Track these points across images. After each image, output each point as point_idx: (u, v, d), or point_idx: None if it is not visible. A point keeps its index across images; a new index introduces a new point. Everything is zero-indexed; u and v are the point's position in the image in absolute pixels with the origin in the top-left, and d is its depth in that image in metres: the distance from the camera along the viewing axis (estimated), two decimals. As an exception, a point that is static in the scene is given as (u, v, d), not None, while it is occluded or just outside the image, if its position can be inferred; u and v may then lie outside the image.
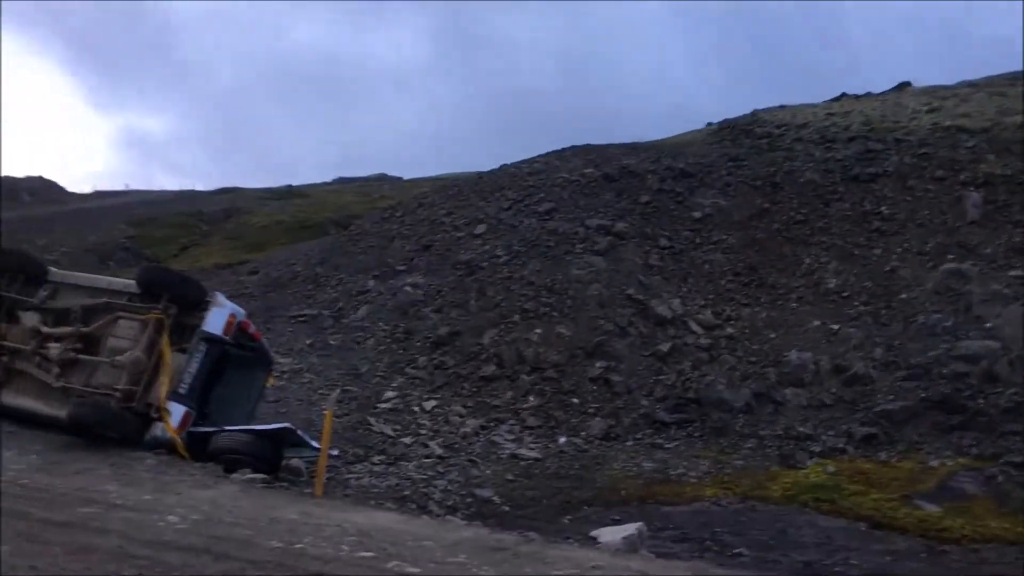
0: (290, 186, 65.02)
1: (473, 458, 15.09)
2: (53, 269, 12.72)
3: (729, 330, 19.90)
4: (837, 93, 36.62)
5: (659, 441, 16.80)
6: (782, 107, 34.65)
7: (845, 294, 20.36)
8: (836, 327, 19.30)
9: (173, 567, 6.17)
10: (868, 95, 35.31)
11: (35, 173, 66.22)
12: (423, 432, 15.88)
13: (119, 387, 10.66)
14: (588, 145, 32.13)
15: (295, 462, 11.79)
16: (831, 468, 15.21)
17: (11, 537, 6.62)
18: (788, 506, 13.63)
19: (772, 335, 19.57)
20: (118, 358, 10.83)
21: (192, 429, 10.76)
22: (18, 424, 10.98)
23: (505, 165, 30.90)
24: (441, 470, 14.11)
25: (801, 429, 16.87)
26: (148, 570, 6.06)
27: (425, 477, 13.50)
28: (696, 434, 17.11)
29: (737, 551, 11.15)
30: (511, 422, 17.16)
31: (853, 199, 23.53)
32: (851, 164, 25.07)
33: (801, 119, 30.45)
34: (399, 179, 72.05)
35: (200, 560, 6.39)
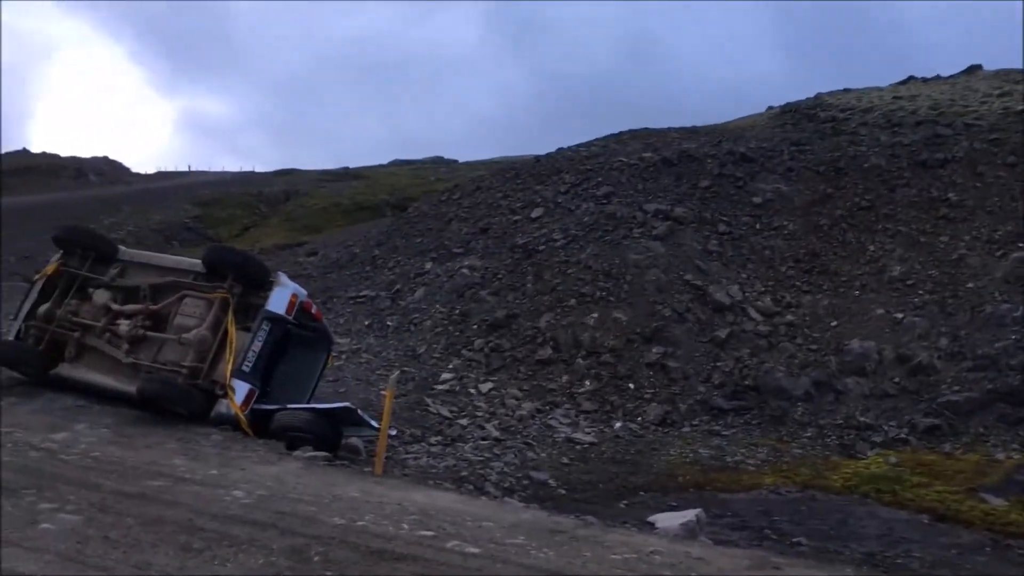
0: (347, 168, 65.74)
1: (529, 441, 15.12)
2: (123, 248, 13.03)
3: (789, 317, 19.60)
4: (904, 76, 35.76)
5: (716, 428, 16.65)
6: (846, 90, 33.95)
7: (910, 282, 19.89)
8: (900, 316, 18.88)
9: (240, 540, 6.31)
10: (936, 78, 34.39)
11: (101, 154, 67.94)
12: (479, 414, 15.96)
13: (186, 364, 10.90)
14: (647, 129, 31.86)
15: (354, 441, 11.94)
16: (893, 459, 14.91)
17: (85, 508, 6.84)
18: (848, 496, 13.40)
19: (834, 323, 19.23)
20: (185, 336, 11.06)
21: (255, 406, 10.97)
22: (89, 398, 11.31)
23: (562, 149, 30.79)
24: (497, 452, 14.16)
25: (862, 419, 16.57)
26: (216, 543, 6.21)
27: (481, 459, 13.57)
28: (754, 422, 16.92)
29: (796, 540, 11.01)
30: (567, 406, 17.16)
31: (920, 185, 22.95)
32: (918, 149, 24.44)
33: (867, 103, 29.79)
34: (454, 162, 72.36)
35: (266, 534, 6.53)
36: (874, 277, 20.41)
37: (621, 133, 31.74)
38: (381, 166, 70.94)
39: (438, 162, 73.07)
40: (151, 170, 73.28)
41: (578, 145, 30.75)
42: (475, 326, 19.71)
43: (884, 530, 11.85)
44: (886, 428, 16.27)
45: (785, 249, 21.76)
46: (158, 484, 7.82)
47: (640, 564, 6.79)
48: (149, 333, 11.52)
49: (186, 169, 74.45)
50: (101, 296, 12.00)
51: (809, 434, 16.36)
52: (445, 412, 15.51)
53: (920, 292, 19.54)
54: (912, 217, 21.97)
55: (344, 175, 60.13)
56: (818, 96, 33.31)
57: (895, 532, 11.80)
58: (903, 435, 16.04)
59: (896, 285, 19.96)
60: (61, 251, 12.70)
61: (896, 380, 17.46)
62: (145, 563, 5.71)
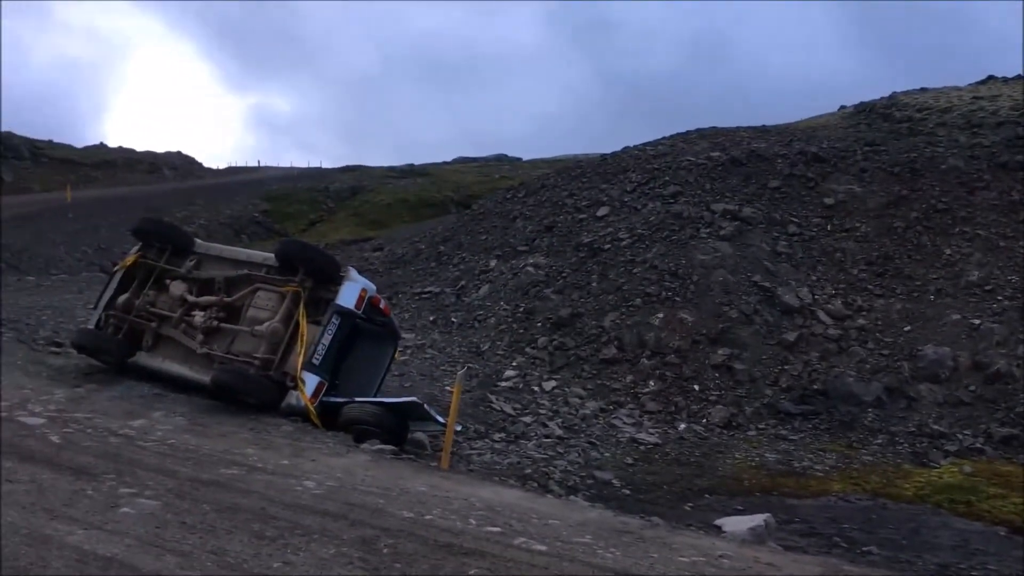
0: (412, 165, 66.36)
1: (592, 440, 15.06)
2: (199, 241, 13.34)
3: (860, 321, 19.15)
4: (983, 76, 34.69)
5: (783, 432, 16.36)
6: (923, 90, 33.10)
7: (988, 288, 19.29)
8: (977, 322, 18.31)
9: (312, 530, 6.41)
10: (1017, 78, 33.27)
11: (175, 149, 69.71)
12: (542, 412, 15.94)
13: (258, 355, 11.12)
14: (715, 128, 31.47)
15: (419, 435, 12.04)
16: (968, 468, 14.46)
17: (162, 493, 7.02)
18: (920, 505, 13.03)
19: (907, 328, 18.74)
20: (257, 328, 11.28)
21: (325, 399, 11.13)
22: (165, 387, 11.61)
23: (628, 147, 30.60)
24: (561, 450, 14.13)
25: (935, 427, 16.13)
26: (288, 532, 6.32)
27: (545, 457, 13.55)
28: (822, 427, 16.58)
29: (867, 549, 10.75)
30: (630, 406, 17.04)
31: (1000, 188, 22.23)
32: (999, 151, 23.68)
33: (944, 103, 28.99)
34: (518, 160, 72.48)
35: (337, 525, 6.62)
36: (950, 282, 19.84)
37: (689, 132, 31.43)
38: (446, 163, 71.50)
39: (502, 160, 73.31)
40: (222, 165, 74.95)
41: (645, 144, 30.54)
42: (539, 324, 19.70)
43: (958, 541, 11.51)
44: (960, 437, 15.81)
45: (857, 251, 21.28)
46: (232, 472, 7.99)
47: (708, 568, 6.71)
48: (223, 324, 11.78)
49: (256, 165, 75.96)
50: (177, 288, 12.31)
51: (880, 441, 15.98)
52: (508, 409, 15.53)
53: (999, 298, 18.93)
54: (991, 221, 21.31)
55: (409, 172, 60.73)
56: (893, 95, 32.53)
57: (970, 544, 11.44)
58: (978, 444, 15.57)
59: (973, 290, 19.37)
60: (140, 243, 13.06)
61: (972, 388, 16.95)
62: (221, 549, 5.83)
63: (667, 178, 25.32)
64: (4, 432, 8.50)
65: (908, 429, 16.22)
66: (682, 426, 16.36)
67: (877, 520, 12.24)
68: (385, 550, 6.16)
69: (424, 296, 22.90)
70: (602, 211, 24.34)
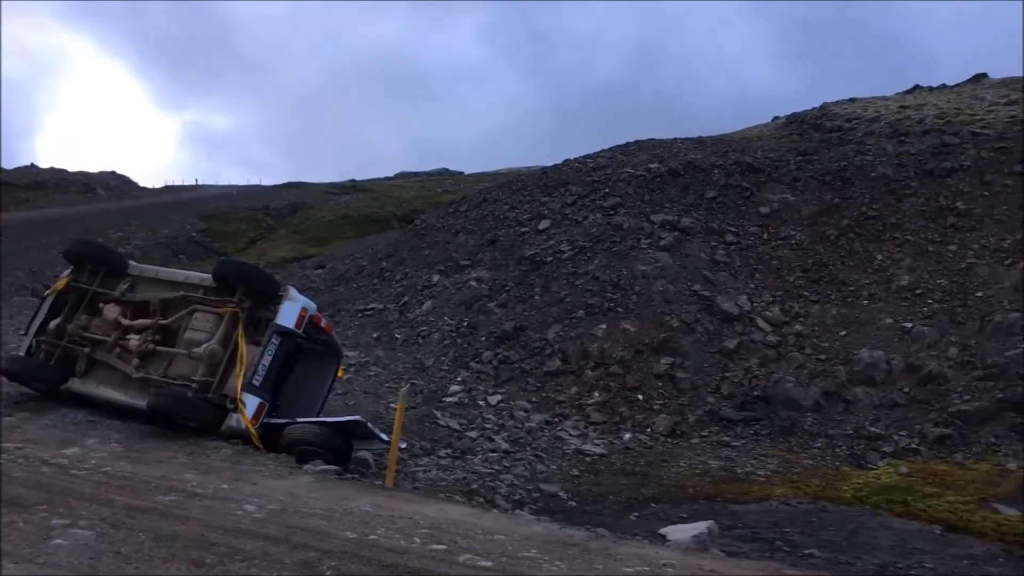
0: (354, 180, 65.91)
1: (538, 453, 15.10)
2: (132, 263, 13.07)
3: (798, 327, 19.55)
4: (909, 86, 35.79)
5: (726, 439, 16.60)
6: (852, 100, 33.98)
7: (919, 291, 19.86)
8: (909, 325, 18.82)
9: (252, 555, 6.30)
10: (942, 87, 34.39)
11: (109, 169, 68.30)
12: (488, 426, 15.94)
13: (196, 378, 10.92)
14: (653, 140, 31.89)
15: (363, 454, 11.93)
16: (904, 469, 14.84)
17: (97, 523, 6.84)
18: (860, 507, 13.33)
19: (842, 333, 19.19)
20: (195, 350, 11.08)
21: (266, 420, 10.97)
22: (100, 413, 11.33)
23: (568, 160, 30.84)
24: (507, 464, 14.14)
25: (872, 429, 16.51)
26: (228, 558, 6.21)
27: (491, 471, 13.54)
28: (763, 432, 16.86)
29: (808, 552, 10.95)
30: (576, 417, 17.13)
31: (927, 194, 22.93)
32: (926, 158, 24.43)
33: (872, 112, 29.81)
34: (460, 173, 72.46)
35: (278, 549, 6.52)
36: (882, 287, 20.38)
37: (627, 144, 31.79)
38: (388, 179, 71.13)
39: (444, 174, 73.23)
40: (159, 184, 73.61)
41: (585, 156, 30.81)
42: (483, 338, 19.72)
43: (896, 541, 11.79)
44: (896, 438, 16.20)
45: (793, 259, 21.74)
46: (169, 499, 7.82)
47: (653, 577, 6.77)
48: (159, 348, 11.55)
49: (193, 183, 74.75)
50: (111, 311, 12.03)
51: (819, 445, 16.31)
52: (454, 424, 15.50)
53: (929, 301, 19.49)
54: (920, 226, 21.96)
55: (351, 188, 60.30)
56: (823, 106, 33.35)
57: (907, 543, 11.73)
58: (913, 445, 15.96)
59: (905, 294, 19.92)
60: (72, 266, 12.75)
61: (906, 390, 17.41)
62: (158, 578, 5.71)
63: (607, 190, 25.59)
64: (-71, 465, 8.21)
65: (846, 432, 16.57)
66: (627, 436, 16.49)
67: (818, 523, 12.48)
68: (328, 572, 6.09)
69: (367, 313, 22.76)
70: (543, 224, 24.48)
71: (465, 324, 20.39)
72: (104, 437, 10.33)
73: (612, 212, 24.03)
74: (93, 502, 7.47)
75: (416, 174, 74.02)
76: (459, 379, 18.08)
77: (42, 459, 9.03)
